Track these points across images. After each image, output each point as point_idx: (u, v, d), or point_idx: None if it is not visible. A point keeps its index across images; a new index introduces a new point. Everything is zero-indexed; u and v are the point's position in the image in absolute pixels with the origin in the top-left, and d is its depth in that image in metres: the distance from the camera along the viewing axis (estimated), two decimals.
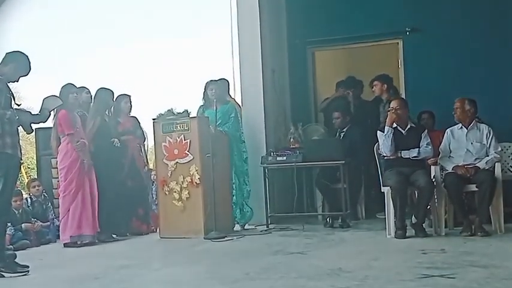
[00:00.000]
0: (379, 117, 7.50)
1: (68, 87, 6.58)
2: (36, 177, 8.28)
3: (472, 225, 5.72)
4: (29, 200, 7.32)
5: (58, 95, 6.10)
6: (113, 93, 7.27)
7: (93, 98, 7.12)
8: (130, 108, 7.51)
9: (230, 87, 7.48)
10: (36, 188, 7.37)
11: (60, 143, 6.58)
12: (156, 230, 7.33)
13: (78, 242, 6.40)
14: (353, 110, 8.12)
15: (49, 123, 6.21)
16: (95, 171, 6.65)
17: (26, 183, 8.44)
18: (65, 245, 6.46)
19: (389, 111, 6.16)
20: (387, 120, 6.13)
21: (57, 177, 6.93)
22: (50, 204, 7.42)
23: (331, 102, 8.33)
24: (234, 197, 7.09)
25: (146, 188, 7.77)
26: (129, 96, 7.51)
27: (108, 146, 6.97)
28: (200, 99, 7.21)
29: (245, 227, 7.12)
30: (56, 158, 6.79)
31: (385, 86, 7.51)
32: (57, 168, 6.84)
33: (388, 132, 6.03)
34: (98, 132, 6.91)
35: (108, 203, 6.78)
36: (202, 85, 7.58)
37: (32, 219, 6.99)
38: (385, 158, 6.14)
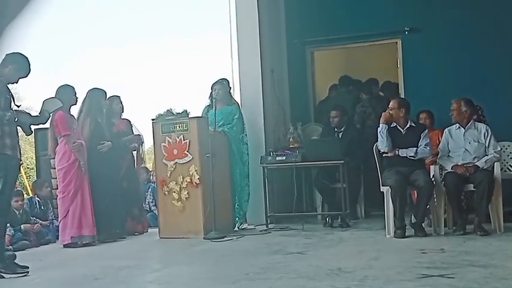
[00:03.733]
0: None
1: (65, 88, 6.55)
2: (44, 178, 8.18)
3: (466, 224, 5.77)
4: (33, 200, 7.34)
5: (55, 96, 6.12)
6: (105, 93, 7.17)
7: (84, 98, 7.00)
8: (122, 109, 7.50)
9: (231, 86, 7.47)
10: (45, 189, 7.46)
11: (57, 143, 6.56)
12: (147, 230, 7.43)
13: (79, 243, 6.40)
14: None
15: (48, 124, 6.20)
16: (91, 172, 6.64)
17: (32, 184, 8.40)
18: (65, 246, 6.46)
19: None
20: (381, 117, 6.17)
21: (56, 178, 6.92)
22: (49, 204, 7.44)
23: (327, 101, 8.48)
24: (237, 199, 7.11)
25: (140, 188, 7.85)
26: (119, 97, 7.49)
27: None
28: (206, 99, 7.25)
29: (240, 227, 7.13)
30: (54, 158, 6.78)
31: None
32: (55, 168, 6.83)
33: (382, 129, 6.07)
34: (93, 133, 6.86)
35: (106, 203, 6.77)
36: (201, 85, 7.59)
37: (32, 218, 7.01)
38: (384, 156, 6.16)
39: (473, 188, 5.84)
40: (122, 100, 7.49)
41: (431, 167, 6.12)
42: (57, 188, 6.73)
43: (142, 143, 7.66)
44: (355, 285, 3.70)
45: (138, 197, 7.69)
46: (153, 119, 6.89)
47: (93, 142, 6.83)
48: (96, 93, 7.07)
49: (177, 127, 6.70)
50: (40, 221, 7.08)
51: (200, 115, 7.06)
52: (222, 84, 7.15)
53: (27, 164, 14.85)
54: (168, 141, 6.73)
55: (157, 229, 6.88)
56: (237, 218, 7.14)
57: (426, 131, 6.21)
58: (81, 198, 6.47)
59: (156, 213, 7.44)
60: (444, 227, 5.95)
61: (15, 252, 5.38)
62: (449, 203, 5.95)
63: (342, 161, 6.82)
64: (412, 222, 5.91)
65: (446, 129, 6.23)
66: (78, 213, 6.43)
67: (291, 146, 7.42)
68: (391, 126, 6.12)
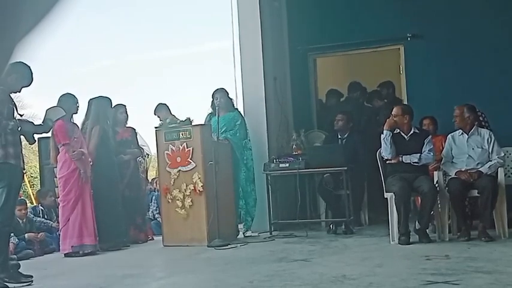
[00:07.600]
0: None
1: (66, 97, 6.55)
2: (48, 187, 8.18)
3: (471, 230, 5.76)
4: (37, 209, 7.34)
5: (57, 104, 6.13)
6: (111, 101, 7.20)
7: (90, 106, 7.03)
8: (127, 118, 7.52)
9: (230, 95, 7.46)
10: (49, 197, 7.45)
11: (59, 152, 6.55)
12: (153, 239, 7.42)
13: (80, 252, 6.38)
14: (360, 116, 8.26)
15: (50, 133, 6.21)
16: (94, 180, 6.64)
17: (36, 193, 8.40)
18: (66, 255, 6.41)
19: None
20: (385, 124, 6.17)
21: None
22: (53, 213, 7.44)
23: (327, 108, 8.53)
24: (244, 205, 7.09)
25: (144, 197, 7.86)
26: (125, 106, 7.51)
27: (109, 156, 6.95)
28: (208, 107, 7.29)
29: (246, 234, 7.12)
30: (56, 167, 6.78)
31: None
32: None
33: (386, 135, 6.06)
34: (101, 141, 6.86)
35: (109, 212, 6.76)
36: (204, 93, 7.60)
37: (40, 223, 7.03)
38: (388, 163, 6.15)
39: (477, 193, 5.83)
40: (127, 109, 7.51)
41: (435, 173, 6.12)
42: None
43: (145, 156, 7.66)
44: None
45: (141, 206, 7.67)
46: (156, 127, 6.90)
47: (100, 151, 6.83)
48: (103, 102, 7.08)
49: (180, 135, 6.70)
50: (50, 223, 7.08)
51: (203, 123, 7.07)
52: (223, 92, 7.16)
53: (31, 173, 14.89)
54: (172, 149, 6.73)
55: (161, 237, 6.88)
56: (245, 224, 7.12)
57: (430, 137, 6.20)
58: (82, 207, 6.44)
59: (160, 221, 7.44)
60: (448, 233, 5.93)
61: (19, 261, 5.37)
62: (454, 209, 5.94)
63: (346, 168, 6.81)
64: (416, 228, 5.90)
65: (449, 135, 6.22)
66: (78, 222, 6.39)
67: (294, 153, 7.41)
68: (395, 132, 6.12)
